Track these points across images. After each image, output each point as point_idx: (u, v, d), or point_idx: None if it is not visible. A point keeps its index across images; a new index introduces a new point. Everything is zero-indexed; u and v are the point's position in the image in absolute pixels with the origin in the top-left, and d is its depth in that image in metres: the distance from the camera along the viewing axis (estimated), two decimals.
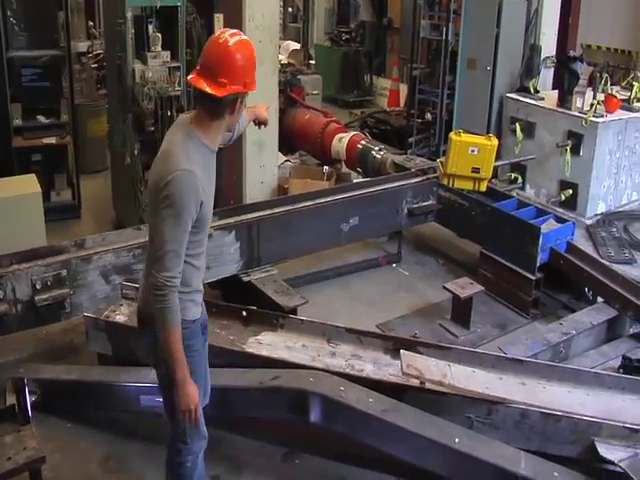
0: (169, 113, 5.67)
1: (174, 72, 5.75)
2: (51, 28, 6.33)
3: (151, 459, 3.50)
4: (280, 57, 8.25)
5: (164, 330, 2.54)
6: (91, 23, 9.14)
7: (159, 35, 5.65)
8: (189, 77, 2.58)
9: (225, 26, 5.78)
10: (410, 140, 8.63)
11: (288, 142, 7.59)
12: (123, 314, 4.06)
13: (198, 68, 2.55)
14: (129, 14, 5.43)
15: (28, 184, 5.40)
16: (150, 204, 2.60)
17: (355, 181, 6.35)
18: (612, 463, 3.22)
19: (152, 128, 5.68)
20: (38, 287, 4.03)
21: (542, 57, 7.83)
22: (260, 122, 3.26)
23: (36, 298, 4.00)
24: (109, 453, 3.61)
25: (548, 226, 5.27)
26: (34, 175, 5.61)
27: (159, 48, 5.66)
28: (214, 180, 2.70)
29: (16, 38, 6.28)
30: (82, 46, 8.57)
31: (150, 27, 5.62)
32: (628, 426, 3.32)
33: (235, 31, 2.58)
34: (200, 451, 2.93)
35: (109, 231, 4.79)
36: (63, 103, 6.49)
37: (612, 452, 3.25)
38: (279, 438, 3.69)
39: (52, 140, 6.38)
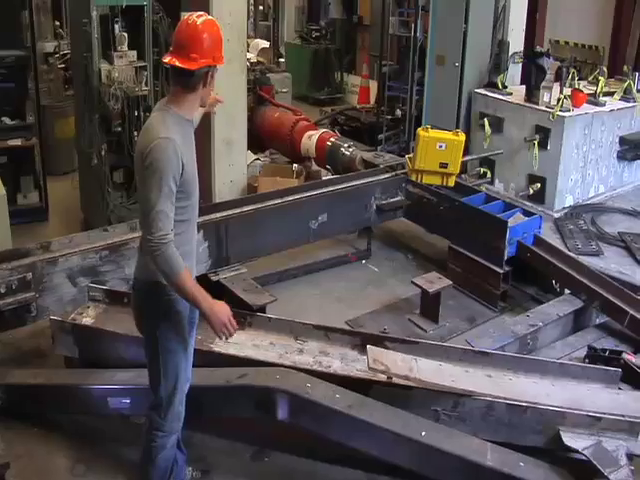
0: (136, 113, 5.64)
1: (141, 72, 5.72)
2: (15, 28, 6.21)
3: (119, 462, 3.50)
4: (250, 55, 8.27)
5: (175, 279, 2.68)
6: (58, 23, 9.03)
7: (125, 35, 5.61)
8: (164, 59, 2.81)
9: None
10: (380, 137, 8.68)
11: (258, 140, 7.58)
12: (90, 316, 4.03)
13: (171, 50, 2.80)
14: (95, 13, 5.39)
15: None
16: (137, 177, 2.80)
17: (324, 178, 6.36)
18: (576, 451, 3.27)
19: (119, 128, 5.66)
20: (3, 291, 3.97)
21: (510, 53, 7.92)
22: (212, 105, 3.43)
23: (1, 302, 3.95)
24: (76, 457, 3.57)
25: (515, 220, 5.32)
26: None
27: (125, 48, 5.62)
28: (194, 148, 2.89)
29: None
30: (49, 46, 8.45)
31: (116, 27, 5.57)
32: (592, 415, 3.37)
33: (201, 13, 2.82)
34: (172, 433, 3.00)
35: (76, 233, 4.74)
36: (29, 104, 6.39)
37: (576, 441, 3.30)
38: (248, 436, 3.68)
39: (18, 142, 6.29)
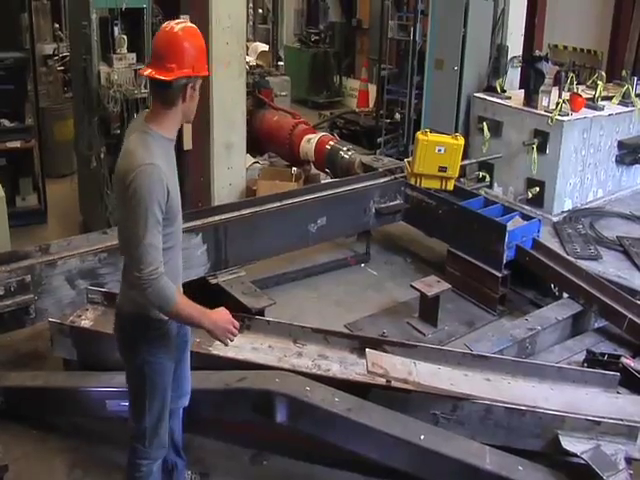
0: (135, 115, 5.63)
1: (140, 74, 5.71)
2: (14, 30, 6.22)
3: (117, 466, 3.46)
4: (249, 59, 8.27)
5: (170, 310, 2.54)
6: (57, 25, 9.03)
7: (125, 37, 5.59)
8: (142, 72, 2.63)
9: None
10: (379, 140, 8.68)
11: (257, 144, 7.57)
12: (89, 319, 4.03)
13: (150, 61, 2.62)
14: (94, 16, 5.38)
15: None
16: (118, 203, 2.62)
17: (323, 182, 6.36)
18: (575, 455, 3.28)
19: (118, 131, 5.62)
20: (1, 293, 3.97)
21: (509, 57, 7.95)
22: None
23: None
24: (74, 461, 3.56)
25: (514, 223, 5.33)
26: None
27: (125, 50, 5.60)
28: (176, 169, 2.73)
29: None
30: (48, 48, 8.46)
31: (116, 29, 5.56)
32: (590, 418, 3.38)
33: (181, 20, 2.67)
34: (157, 460, 2.92)
35: (75, 235, 4.73)
36: (28, 106, 6.40)
37: (575, 444, 3.31)
38: (247, 440, 3.68)
39: (17, 144, 6.28)
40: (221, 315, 2.67)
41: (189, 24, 2.62)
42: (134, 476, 2.92)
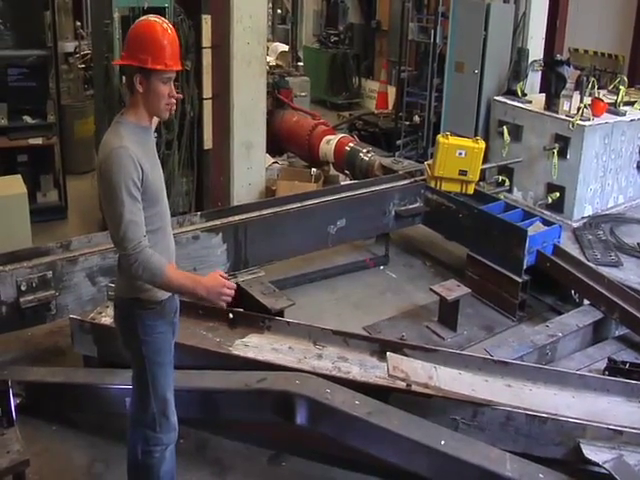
0: None
1: None
2: (37, 28, 6.28)
3: None
4: (268, 59, 8.27)
5: (160, 281, 2.59)
6: (79, 23, 9.11)
7: None
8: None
9: (213, 28, 5.79)
10: (398, 142, 8.66)
11: (276, 144, 7.58)
12: (109, 316, 4.03)
13: None
14: (116, 15, 5.42)
15: (14, 185, 5.38)
16: (100, 191, 2.67)
17: (343, 183, 6.35)
18: (597, 464, 3.24)
19: None
20: (23, 289, 3.99)
21: (529, 60, 7.90)
22: None
23: (21, 300, 3.97)
24: (94, 456, 3.58)
25: (535, 229, 5.29)
26: (20, 176, 5.59)
27: None
28: (156, 157, 2.81)
29: (2, 38, 6.23)
30: (69, 46, 8.55)
31: None
32: (613, 428, 3.35)
33: (153, 15, 2.73)
34: (170, 444, 2.91)
35: (96, 232, 4.75)
36: (49, 103, 6.44)
37: (597, 454, 3.28)
38: (265, 440, 3.68)
39: (38, 141, 6.33)
40: (214, 279, 2.68)
41: (151, 18, 2.67)
42: (147, 463, 2.88)
